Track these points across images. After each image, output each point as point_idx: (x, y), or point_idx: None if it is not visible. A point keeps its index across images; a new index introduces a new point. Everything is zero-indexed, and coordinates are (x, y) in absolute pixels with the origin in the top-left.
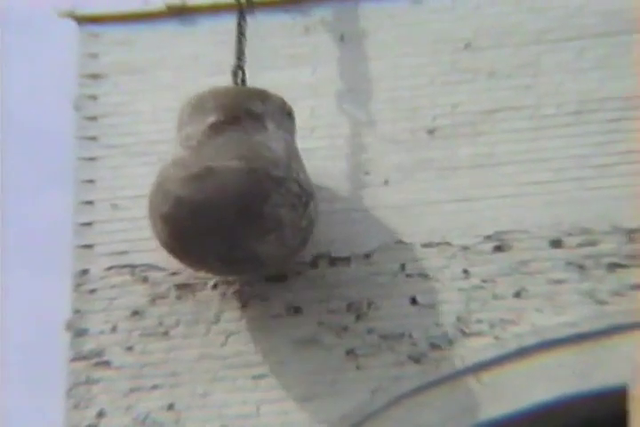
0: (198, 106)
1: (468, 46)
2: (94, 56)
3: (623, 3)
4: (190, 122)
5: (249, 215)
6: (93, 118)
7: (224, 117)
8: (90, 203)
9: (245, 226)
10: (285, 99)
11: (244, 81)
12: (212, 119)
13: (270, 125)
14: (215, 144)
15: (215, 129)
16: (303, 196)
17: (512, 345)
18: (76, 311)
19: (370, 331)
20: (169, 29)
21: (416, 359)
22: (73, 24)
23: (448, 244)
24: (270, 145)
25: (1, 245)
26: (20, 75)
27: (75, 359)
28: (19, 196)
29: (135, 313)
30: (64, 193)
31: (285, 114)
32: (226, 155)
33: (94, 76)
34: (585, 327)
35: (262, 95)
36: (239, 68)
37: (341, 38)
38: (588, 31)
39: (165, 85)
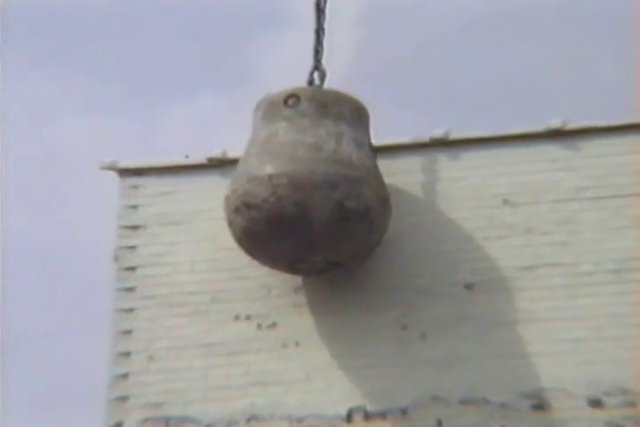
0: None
1: (505, 202)
2: (134, 207)
3: None
4: (353, 125)
5: None
6: (132, 269)
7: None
8: (126, 354)
9: None
10: None
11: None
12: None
13: None
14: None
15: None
16: None
17: None
18: None
19: None
20: (209, 181)
21: None
22: (114, 175)
23: (485, 400)
24: None
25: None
26: (62, 223)
27: None
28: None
29: None
30: (100, 344)
31: None
32: None
33: (134, 228)
34: None
35: None
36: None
37: None
38: (623, 190)
39: (203, 237)
